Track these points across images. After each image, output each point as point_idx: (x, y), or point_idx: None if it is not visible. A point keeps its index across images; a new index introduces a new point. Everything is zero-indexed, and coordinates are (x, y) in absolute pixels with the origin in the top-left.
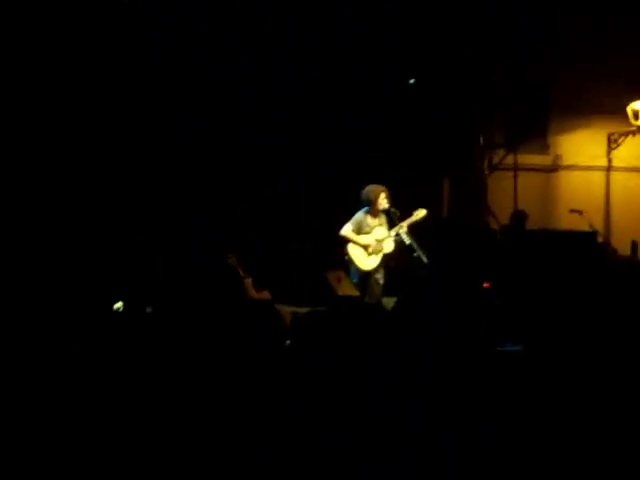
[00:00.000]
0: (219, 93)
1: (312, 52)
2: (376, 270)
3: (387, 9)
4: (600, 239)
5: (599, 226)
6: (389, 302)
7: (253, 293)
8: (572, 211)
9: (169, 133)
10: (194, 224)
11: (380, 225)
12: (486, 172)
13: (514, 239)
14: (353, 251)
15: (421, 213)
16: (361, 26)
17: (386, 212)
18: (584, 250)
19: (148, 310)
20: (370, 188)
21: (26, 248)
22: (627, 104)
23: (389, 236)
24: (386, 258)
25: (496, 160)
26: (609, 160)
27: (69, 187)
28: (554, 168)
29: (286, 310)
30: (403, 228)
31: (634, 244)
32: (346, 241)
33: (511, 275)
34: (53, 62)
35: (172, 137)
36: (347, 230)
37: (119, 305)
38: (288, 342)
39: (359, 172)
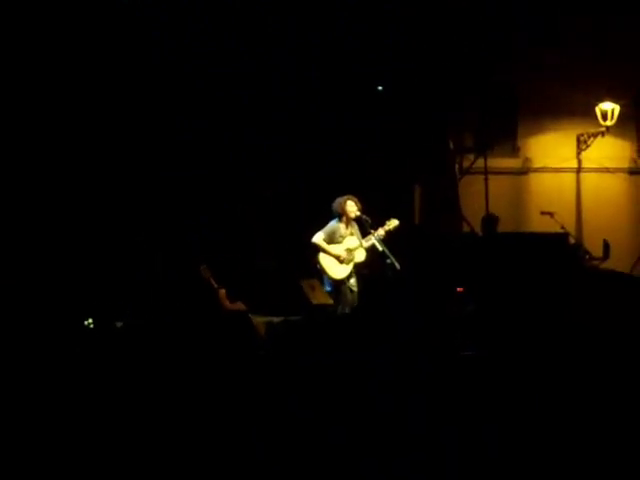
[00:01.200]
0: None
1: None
2: (348, 278)
3: (358, 16)
4: (572, 240)
5: (571, 227)
6: None
7: (227, 304)
8: (543, 213)
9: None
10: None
11: (351, 235)
12: (457, 176)
13: (486, 243)
14: (324, 260)
15: (393, 223)
16: (333, 32)
17: (358, 220)
18: (556, 252)
19: (118, 325)
20: (337, 199)
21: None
22: (595, 105)
23: (361, 245)
24: (358, 267)
25: (466, 164)
26: (579, 161)
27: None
28: (524, 171)
29: (260, 320)
30: (377, 235)
31: (606, 244)
32: (317, 249)
33: (484, 279)
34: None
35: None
36: (319, 239)
37: (89, 321)
38: (262, 352)
39: (328, 181)
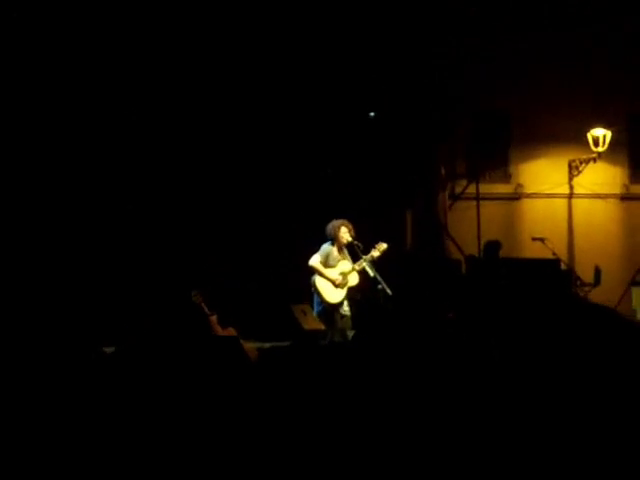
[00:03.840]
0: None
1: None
2: (341, 303)
3: (346, 43)
4: (563, 266)
5: (562, 253)
6: None
7: (218, 330)
8: (535, 239)
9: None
10: (158, 259)
11: (344, 259)
12: (448, 202)
13: (484, 269)
14: (320, 283)
15: (382, 247)
16: (319, 62)
17: (349, 245)
18: (548, 277)
19: (108, 350)
20: (332, 223)
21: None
22: (587, 131)
23: (353, 269)
24: (351, 291)
25: (458, 190)
26: (570, 187)
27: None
28: (516, 196)
29: (251, 346)
30: (368, 261)
31: (597, 270)
32: (313, 272)
33: (475, 304)
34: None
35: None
36: (316, 261)
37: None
38: (252, 378)
39: (322, 206)
